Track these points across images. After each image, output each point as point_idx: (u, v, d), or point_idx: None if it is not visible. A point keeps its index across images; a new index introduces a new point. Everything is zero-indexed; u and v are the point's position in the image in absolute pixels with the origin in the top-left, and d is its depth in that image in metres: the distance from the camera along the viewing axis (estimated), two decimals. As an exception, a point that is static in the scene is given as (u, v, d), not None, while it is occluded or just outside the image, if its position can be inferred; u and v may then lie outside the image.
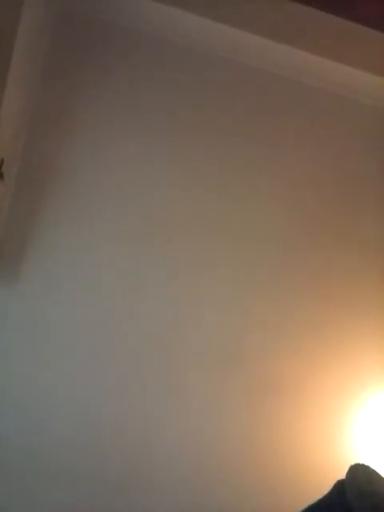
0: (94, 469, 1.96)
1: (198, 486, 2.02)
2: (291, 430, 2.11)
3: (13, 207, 1.97)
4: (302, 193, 2.23)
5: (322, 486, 1.57)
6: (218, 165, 2.17)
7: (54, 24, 2.06)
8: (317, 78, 2.22)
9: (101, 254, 2.04)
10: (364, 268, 2.26)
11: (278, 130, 2.24)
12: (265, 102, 2.24)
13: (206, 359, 2.08)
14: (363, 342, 2.21)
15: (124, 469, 1.98)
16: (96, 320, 2.01)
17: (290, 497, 2.01)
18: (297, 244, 2.21)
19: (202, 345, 2.08)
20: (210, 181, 2.16)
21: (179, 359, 2.06)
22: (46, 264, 1.99)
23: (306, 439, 2.12)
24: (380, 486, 1.41)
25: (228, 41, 2.10)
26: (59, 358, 1.97)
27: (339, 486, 1.49)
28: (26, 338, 1.95)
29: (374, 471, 1.51)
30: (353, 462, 1.58)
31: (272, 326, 2.15)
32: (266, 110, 2.24)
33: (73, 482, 1.94)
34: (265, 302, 2.16)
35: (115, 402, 1.99)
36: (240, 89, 2.22)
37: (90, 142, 2.07)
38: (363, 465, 1.53)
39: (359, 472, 1.48)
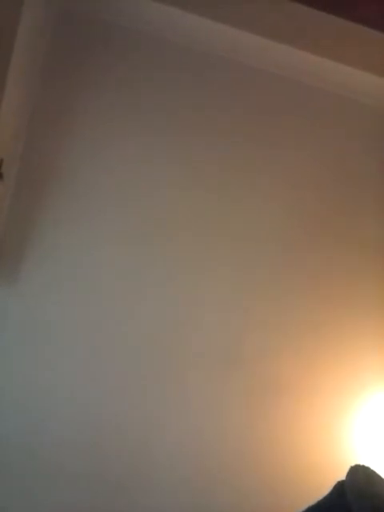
0: (93, 469, 1.96)
1: (198, 486, 2.02)
2: (291, 429, 2.11)
3: (13, 207, 1.97)
4: (302, 193, 2.23)
5: (322, 486, 1.57)
6: (218, 165, 2.17)
7: (54, 24, 2.06)
8: (317, 78, 2.22)
9: (101, 254, 2.04)
10: (364, 268, 2.26)
11: (278, 130, 2.24)
12: (265, 102, 2.24)
13: (206, 359, 2.08)
14: (363, 342, 2.21)
15: (124, 469, 1.98)
16: (96, 320, 2.01)
17: (290, 497, 2.01)
18: (297, 244, 2.21)
19: (202, 345, 2.08)
20: (210, 181, 2.16)
21: (179, 359, 2.06)
22: (45, 264, 1.99)
23: (305, 439, 2.12)
24: (380, 488, 1.41)
25: (228, 41, 2.10)
26: (59, 358, 1.97)
27: (339, 487, 1.49)
28: (26, 338, 1.95)
29: (374, 472, 1.51)
30: (353, 462, 1.59)
31: (272, 326, 2.15)
32: (266, 109, 2.24)
33: (73, 482, 1.94)
34: (265, 302, 2.16)
35: (115, 402, 1.99)
36: (240, 89, 2.22)
37: (90, 142, 2.07)
38: (363, 466, 1.54)
39: (359, 473, 1.49)
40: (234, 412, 2.08)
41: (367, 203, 2.31)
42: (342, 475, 1.55)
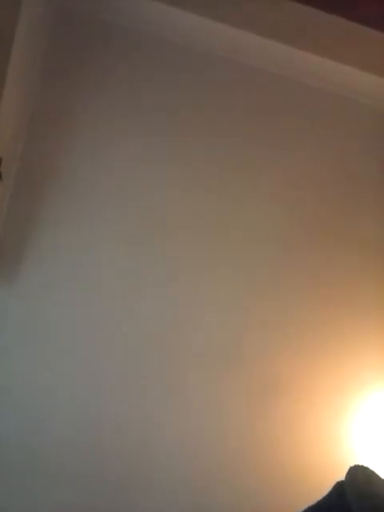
0: (94, 469, 1.96)
1: (198, 486, 2.02)
2: (291, 429, 2.11)
3: (12, 207, 1.97)
4: (302, 193, 2.23)
5: (322, 486, 1.57)
6: (218, 165, 2.17)
7: (54, 24, 2.05)
8: (317, 78, 2.22)
9: (101, 254, 2.04)
10: (364, 268, 2.25)
11: (278, 130, 2.24)
12: (265, 102, 2.24)
13: (206, 359, 2.08)
14: (363, 341, 2.21)
15: (124, 469, 1.98)
16: (96, 320, 2.01)
17: (290, 497, 2.01)
18: (297, 244, 2.21)
19: (202, 345, 2.08)
20: (210, 181, 2.16)
21: (179, 359, 2.06)
22: (45, 264, 1.99)
23: (305, 439, 2.12)
24: (379, 488, 1.41)
25: (228, 41, 2.10)
26: (59, 358, 1.97)
27: (339, 488, 1.49)
28: (26, 338, 1.95)
29: (374, 473, 1.51)
30: (352, 462, 1.59)
31: (272, 326, 2.15)
32: (266, 109, 2.24)
33: (73, 482, 1.94)
34: (265, 302, 2.16)
35: (115, 402, 1.99)
36: (240, 89, 2.22)
37: (90, 142, 2.07)
38: (362, 466, 1.54)
39: (359, 473, 1.49)
40: (233, 412, 2.08)
41: (367, 203, 2.31)
42: (341, 475, 1.55)
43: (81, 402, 1.97)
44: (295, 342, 2.16)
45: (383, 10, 1.99)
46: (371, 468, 1.54)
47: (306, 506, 1.53)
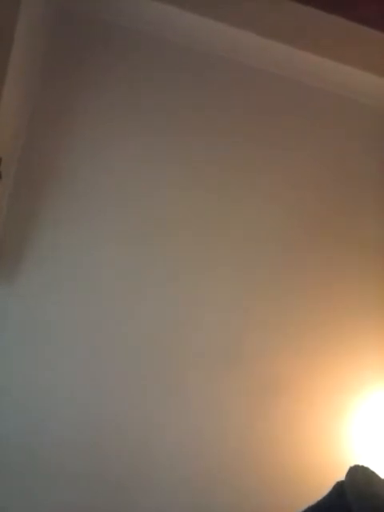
0: (93, 469, 1.96)
1: (198, 486, 2.02)
2: (291, 429, 2.11)
3: (12, 207, 1.97)
4: (302, 193, 2.23)
5: (322, 486, 1.57)
6: (218, 165, 2.17)
7: (54, 24, 2.05)
8: (317, 78, 2.22)
9: (101, 254, 2.04)
10: (364, 268, 2.25)
11: (278, 130, 2.24)
12: (265, 102, 2.24)
13: (206, 359, 2.08)
14: (363, 341, 2.21)
15: (124, 469, 1.98)
16: (96, 320, 2.01)
17: (290, 497, 2.01)
18: (297, 244, 2.21)
19: (202, 345, 2.08)
20: (210, 181, 2.16)
21: (179, 359, 2.06)
22: (45, 264, 1.99)
23: (305, 439, 2.12)
24: (379, 488, 1.41)
25: (228, 41, 2.10)
26: (59, 358, 1.97)
27: (339, 488, 1.49)
28: (26, 338, 1.95)
29: (374, 473, 1.51)
30: (352, 462, 1.59)
31: (272, 326, 2.15)
32: (266, 109, 2.24)
33: (73, 482, 1.94)
34: (265, 302, 2.16)
35: (115, 402, 1.99)
36: (240, 89, 2.22)
37: (90, 142, 2.07)
38: (362, 466, 1.54)
39: (359, 474, 1.49)
40: (233, 412, 2.08)
41: (367, 203, 2.31)
42: (341, 475, 1.55)
43: (81, 402, 1.97)
44: (295, 342, 2.16)
45: (383, 10, 1.99)
46: (371, 468, 1.54)
47: (305, 505, 1.53)
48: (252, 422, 2.09)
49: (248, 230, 2.17)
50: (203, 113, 2.17)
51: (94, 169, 2.06)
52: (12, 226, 1.96)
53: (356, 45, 2.09)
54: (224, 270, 2.14)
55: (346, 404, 2.16)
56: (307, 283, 2.20)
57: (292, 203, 2.22)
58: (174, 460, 2.02)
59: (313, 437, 2.12)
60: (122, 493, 1.97)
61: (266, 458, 2.08)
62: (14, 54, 1.72)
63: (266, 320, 2.15)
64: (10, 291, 1.95)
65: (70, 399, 1.97)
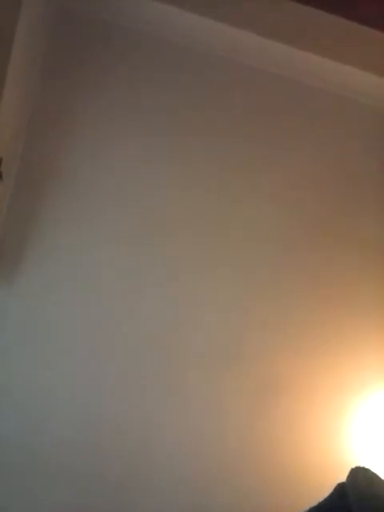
0: (93, 469, 1.96)
1: (198, 486, 2.02)
2: (291, 429, 2.11)
3: (12, 207, 1.97)
4: (302, 193, 2.23)
5: (322, 486, 1.57)
6: (218, 165, 2.17)
7: (54, 24, 2.05)
8: (317, 78, 2.22)
9: (101, 254, 2.04)
10: (364, 268, 2.25)
11: (278, 130, 2.24)
12: (265, 102, 2.24)
13: (206, 359, 2.08)
14: (363, 341, 2.21)
15: (124, 469, 1.98)
16: (96, 320, 2.01)
17: (290, 497, 2.01)
18: (297, 244, 2.21)
19: (202, 345, 2.08)
20: (210, 181, 2.16)
21: (179, 359, 2.06)
22: (45, 264, 1.99)
23: (305, 439, 2.12)
24: (380, 489, 1.41)
25: (228, 41, 2.10)
26: (59, 358, 1.97)
27: (340, 489, 1.49)
28: (26, 338, 1.95)
29: (375, 474, 1.51)
30: (352, 462, 1.59)
31: (272, 326, 2.15)
32: (266, 109, 2.24)
33: (73, 482, 1.94)
34: (265, 302, 2.16)
35: (115, 402, 1.99)
36: (240, 89, 2.22)
37: (90, 142, 2.07)
38: (364, 468, 1.54)
39: (360, 475, 1.49)
40: (233, 412, 2.08)
41: (367, 203, 2.31)
42: (341, 475, 1.55)
43: (81, 402, 1.97)
44: (295, 342, 2.16)
45: (383, 10, 1.99)
46: (372, 470, 1.54)
47: (305, 505, 1.53)
48: (252, 422, 2.09)
49: (248, 229, 2.17)
50: (203, 113, 2.17)
51: (94, 169, 2.06)
52: (12, 225, 1.96)
53: (356, 45, 2.09)
54: (224, 270, 2.14)
55: (346, 404, 2.16)
56: (307, 283, 2.20)
57: (292, 203, 2.22)
58: (174, 460, 2.02)
59: (313, 437, 2.12)
60: (122, 493, 1.97)
61: (266, 457, 2.08)
62: (14, 54, 1.72)
63: (266, 320, 2.15)
64: (9, 291, 1.95)
65: (70, 399, 1.97)
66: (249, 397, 2.10)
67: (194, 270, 2.11)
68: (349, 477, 1.50)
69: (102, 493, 1.96)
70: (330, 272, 2.22)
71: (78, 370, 1.98)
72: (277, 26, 2.03)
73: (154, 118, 2.12)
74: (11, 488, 1.90)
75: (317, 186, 2.26)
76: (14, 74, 1.76)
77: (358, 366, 2.19)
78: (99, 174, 2.06)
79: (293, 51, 2.06)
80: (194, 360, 2.07)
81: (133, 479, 1.99)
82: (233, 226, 2.17)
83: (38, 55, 2.02)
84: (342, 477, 1.54)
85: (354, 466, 1.55)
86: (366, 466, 1.55)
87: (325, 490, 1.55)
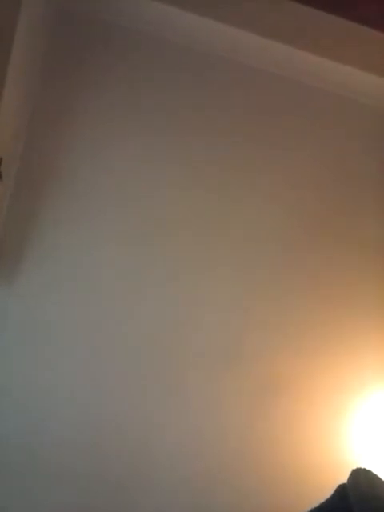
0: (93, 469, 1.96)
1: (198, 486, 2.02)
2: (291, 429, 2.11)
3: (12, 207, 1.97)
4: (302, 193, 2.23)
5: (322, 486, 1.57)
6: (218, 165, 2.17)
7: (54, 24, 2.05)
8: (317, 78, 2.22)
9: (101, 254, 2.04)
10: (364, 268, 2.25)
11: (278, 130, 2.24)
12: (265, 102, 2.24)
13: (206, 359, 2.08)
14: (363, 341, 2.21)
15: (124, 469, 1.98)
16: (96, 320, 2.01)
17: (290, 497, 2.01)
18: (297, 244, 2.21)
19: (202, 345, 2.08)
20: (210, 181, 2.16)
21: (179, 359, 2.06)
22: (45, 264, 1.99)
23: (305, 439, 2.12)
24: (382, 491, 1.41)
25: (228, 41, 2.10)
26: (59, 358, 1.97)
27: (341, 490, 1.49)
28: (26, 338, 1.95)
29: (376, 475, 1.51)
30: (352, 462, 1.59)
31: (272, 326, 2.15)
32: (266, 109, 2.24)
33: (73, 482, 1.94)
34: (265, 302, 2.16)
35: (115, 402, 1.99)
36: (240, 89, 2.22)
37: (90, 142, 2.07)
38: (365, 469, 1.54)
39: (361, 476, 1.49)
40: (233, 412, 2.08)
41: (367, 203, 2.31)
42: (341, 475, 1.55)
43: (81, 402, 1.97)
44: (295, 342, 2.16)
45: (383, 10, 1.99)
46: (373, 471, 1.54)
47: (305, 505, 1.53)
48: (252, 422, 2.09)
49: (248, 229, 2.17)
50: (203, 113, 2.17)
51: (94, 169, 2.06)
52: (12, 226, 1.96)
53: (356, 45, 2.09)
54: (224, 270, 2.14)
55: (346, 404, 2.16)
56: (307, 283, 2.20)
57: (292, 203, 2.22)
58: (174, 460, 2.02)
59: (313, 437, 2.12)
60: (122, 493, 1.97)
61: (266, 457, 2.08)
62: (14, 54, 1.72)
63: (266, 320, 2.15)
64: (9, 291, 1.95)
65: (70, 399, 1.97)
66: (249, 397, 2.10)
67: (194, 270, 2.11)
68: (350, 478, 1.50)
69: (102, 493, 1.96)
70: (330, 272, 2.22)
71: (78, 370, 1.98)
72: (277, 26, 2.03)
73: (153, 118, 2.12)
74: (11, 488, 1.90)
75: (317, 186, 2.26)
76: (14, 73, 1.76)
77: (358, 366, 2.19)
78: (99, 174, 2.06)
79: (293, 51, 2.06)
80: (193, 360, 2.07)
81: (133, 479, 1.99)
82: (233, 226, 2.17)
83: (38, 55, 2.02)
84: (342, 477, 1.54)
85: (354, 467, 1.55)
86: (367, 467, 1.55)
87: (325, 490, 1.55)
